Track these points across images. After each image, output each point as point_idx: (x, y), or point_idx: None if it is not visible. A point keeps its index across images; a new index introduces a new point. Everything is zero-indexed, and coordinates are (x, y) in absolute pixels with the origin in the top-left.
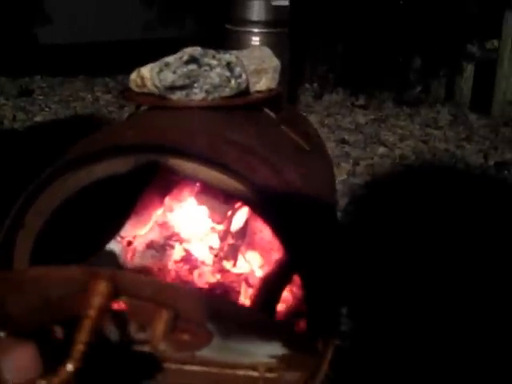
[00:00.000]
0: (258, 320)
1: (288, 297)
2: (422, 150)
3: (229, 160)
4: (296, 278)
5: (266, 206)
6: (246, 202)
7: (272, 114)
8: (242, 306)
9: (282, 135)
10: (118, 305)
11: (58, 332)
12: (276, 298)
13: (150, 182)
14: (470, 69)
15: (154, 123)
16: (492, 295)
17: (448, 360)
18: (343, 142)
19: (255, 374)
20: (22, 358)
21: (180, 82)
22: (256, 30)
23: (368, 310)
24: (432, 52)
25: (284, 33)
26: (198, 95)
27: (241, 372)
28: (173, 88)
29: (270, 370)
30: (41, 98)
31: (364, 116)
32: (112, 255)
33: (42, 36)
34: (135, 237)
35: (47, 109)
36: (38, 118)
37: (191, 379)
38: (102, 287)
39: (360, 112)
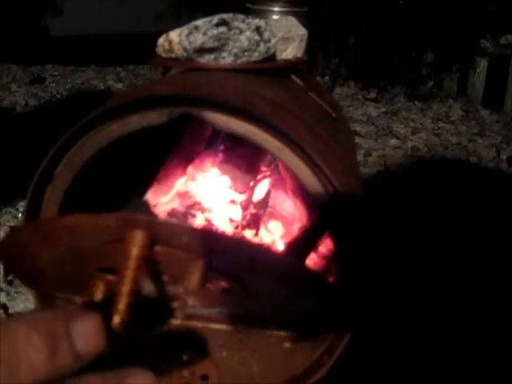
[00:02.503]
0: (297, 270)
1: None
2: (434, 142)
3: (263, 114)
4: (319, 250)
5: (300, 157)
6: (278, 156)
7: (299, 81)
8: (280, 255)
9: (310, 100)
10: (152, 254)
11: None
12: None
13: (175, 146)
14: (483, 64)
15: (187, 79)
16: (499, 288)
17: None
18: (355, 133)
19: (281, 333)
20: (90, 329)
21: (210, 44)
22: (276, 9)
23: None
24: (445, 47)
25: (304, 12)
26: (226, 59)
27: (268, 331)
28: (202, 50)
29: (297, 329)
30: (53, 85)
31: (376, 109)
32: (145, 205)
33: (52, 28)
34: (157, 204)
35: (59, 95)
36: (49, 105)
37: (217, 338)
38: (139, 237)
39: (372, 105)
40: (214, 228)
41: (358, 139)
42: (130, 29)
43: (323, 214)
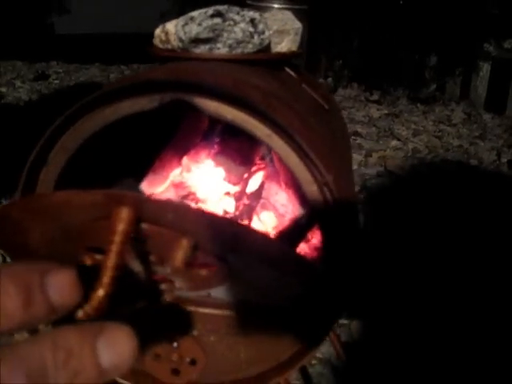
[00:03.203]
0: (285, 254)
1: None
2: (435, 145)
3: (252, 100)
4: (310, 241)
5: (288, 144)
6: (266, 143)
7: (293, 74)
8: (269, 238)
9: (303, 92)
10: (138, 230)
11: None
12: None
13: (171, 138)
14: (486, 68)
15: (179, 67)
16: (497, 286)
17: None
18: (356, 134)
19: (269, 319)
20: (65, 282)
21: (204, 35)
22: (276, 6)
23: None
24: (448, 50)
25: (304, 10)
26: (221, 50)
27: (255, 317)
28: (197, 41)
29: (285, 315)
30: (56, 82)
31: (378, 110)
32: (136, 185)
33: (58, 26)
34: (152, 195)
35: (62, 92)
36: (53, 101)
37: (206, 323)
38: (124, 213)
39: (374, 107)
40: (199, 206)
41: (359, 140)
42: (135, 28)
43: (311, 202)
